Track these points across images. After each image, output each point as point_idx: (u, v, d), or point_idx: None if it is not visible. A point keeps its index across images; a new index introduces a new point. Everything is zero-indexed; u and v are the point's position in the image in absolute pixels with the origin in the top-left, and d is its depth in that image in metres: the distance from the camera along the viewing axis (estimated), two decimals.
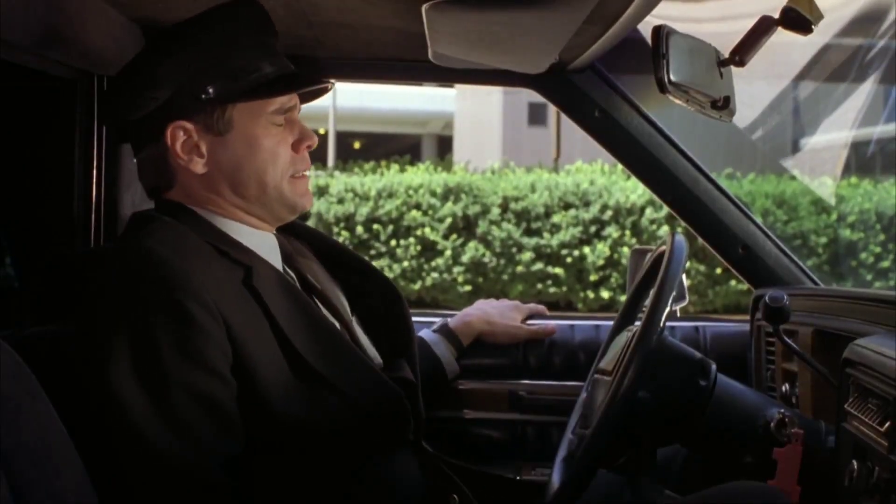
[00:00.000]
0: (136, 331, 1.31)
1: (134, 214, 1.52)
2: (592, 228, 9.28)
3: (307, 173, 1.55)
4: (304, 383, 1.39)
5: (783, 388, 1.92)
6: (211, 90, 1.44)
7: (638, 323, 1.62)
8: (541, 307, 2.19)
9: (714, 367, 1.55)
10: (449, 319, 2.05)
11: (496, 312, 2.09)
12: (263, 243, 1.52)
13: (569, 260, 9.22)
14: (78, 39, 1.74)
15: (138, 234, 1.43)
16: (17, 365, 1.24)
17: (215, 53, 1.45)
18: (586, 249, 9.22)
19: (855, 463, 1.26)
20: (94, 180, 1.99)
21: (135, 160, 1.54)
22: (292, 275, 1.56)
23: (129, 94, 1.47)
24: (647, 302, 1.54)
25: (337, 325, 1.53)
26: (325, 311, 1.54)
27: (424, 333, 1.98)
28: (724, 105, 1.62)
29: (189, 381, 1.31)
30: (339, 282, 1.67)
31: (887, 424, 1.19)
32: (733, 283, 8.97)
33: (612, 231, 9.21)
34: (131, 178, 2.04)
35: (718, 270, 8.99)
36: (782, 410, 1.51)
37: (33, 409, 1.23)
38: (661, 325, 1.47)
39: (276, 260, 1.53)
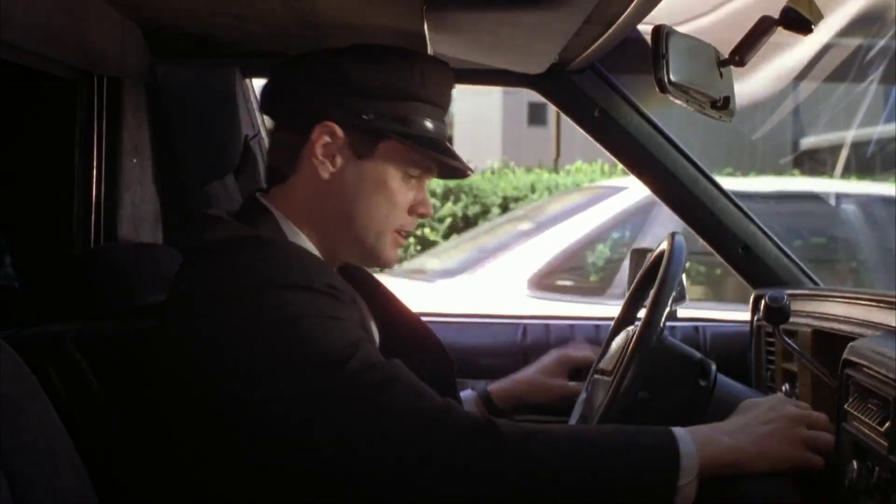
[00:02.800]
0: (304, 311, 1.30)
1: (204, 214, 1.48)
2: None
3: (405, 240, 1.53)
4: None
5: (783, 388, 1.92)
6: (373, 115, 1.45)
7: (638, 323, 1.62)
8: (588, 355, 1.86)
9: (714, 367, 1.56)
10: (490, 383, 1.87)
11: (538, 369, 1.88)
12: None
13: None
14: (78, 39, 1.74)
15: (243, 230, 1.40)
16: (17, 365, 1.24)
17: (401, 87, 1.46)
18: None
19: (855, 463, 1.26)
20: (94, 180, 1.99)
21: (273, 135, 1.54)
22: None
23: (304, 79, 1.48)
24: (647, 302, 1.54)
25: None
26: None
27: (463, 394, 1.81)
28: (723, 105, 1.62)
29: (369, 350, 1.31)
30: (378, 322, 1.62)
31: (887, 424, 1.19)
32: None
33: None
34: (131, 178, 2.04)
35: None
36: None
37: (33, 409, 1.23)
38: (661, 325, 1.47)
39: None
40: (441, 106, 1.51)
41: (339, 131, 1.45)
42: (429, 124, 1.48)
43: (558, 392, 1.83)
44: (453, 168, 1.52)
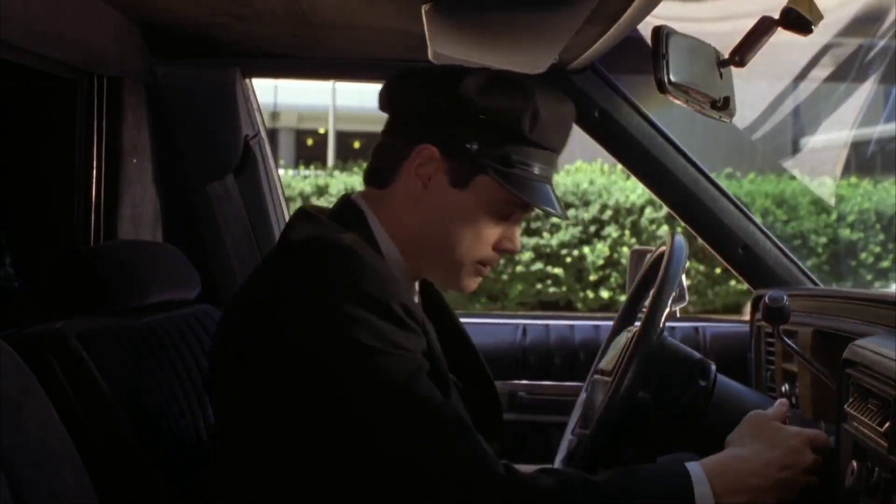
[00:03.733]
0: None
1: (301, 210, 1.46)
2: (592, 228, 9.27)
3: (488, 270, 1.52)
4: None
5: (783, 388, 1.92)
6: (476, 147, 1.42)
7: (638, 323, 1.62)
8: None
9: (714, 367, 1.55)
10: None
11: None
12: (407, 285, 1.49)
13: (568, 260, 9.21)
14: (78, 39, 1.74)
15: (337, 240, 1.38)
16: (17, 365, 1.25)
17: (509, 126, 1.43)
18: (586, 249, 9.22)
19: (855, 463, 1.26)
20: (94, 180, 1.99)
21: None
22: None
23: (418, 95, 1.46)
24: (647, 302, 1.54)
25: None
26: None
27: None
28: (723, 105, 1.62)
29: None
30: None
31: (887, 424, 1.19)
32: (733, 283, 8.97)
33: (611, 231, 9.20)
34: (131, 178, 2.04)
35: (718, 270, 8.99)
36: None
37: (33, 409, 1.23)
38: (661, 325, 1.47)
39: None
40: (549, 149, 1.48)
41: (437, 155, 1.43)
42: (535, 168, 1.45)
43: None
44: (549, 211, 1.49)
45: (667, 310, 1.48)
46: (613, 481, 1.32)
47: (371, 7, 1.74)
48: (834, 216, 9.28)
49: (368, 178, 1.52)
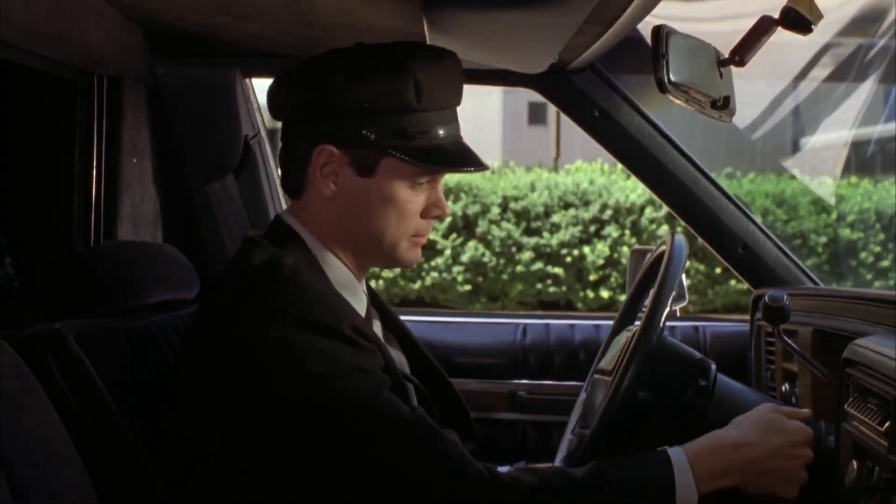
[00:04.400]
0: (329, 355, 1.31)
1: (248, 238, 1.48)
2: (592, 228, 9.27)
3: (424, 238, 1.51)
4: None
5: (783, 388, 1.92)
6: (372, 133, 1.42)
7: (638, 323, 1.62)
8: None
9: (714, 367, 1.55)
10: None
11: None
12: (354, 293, 1.49)
13: (568, 259, 9.21)
14: (78, 39, 1.74)
15: (279, 266, 1.39)
16: (17, 365, 1.25)
17: (395, 103, 1.42)
18: (586, 249, 9.22)
19: (855, 463, 1.26)
20: (94, 180, 1.99)
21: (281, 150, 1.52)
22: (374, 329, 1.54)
23: (300, 97, 1.46)
24: (647, 302, 1.54)
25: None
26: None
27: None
28: (723, 105, 1.62)
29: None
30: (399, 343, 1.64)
31: (887, 424, 1.19)
32: (733, 282, 8.97)
33: (611, 230, 9.20)
34: (131, 178, 2.04)
35: (718, 270, 8.99)
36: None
37: (33, 409, 1.23)
38: (661, 325, 1.47)
39: (360, 310, 1.50)
40: (446, 107, 1.47)
41: (336, 151, 1.42)
42: (437, 131, 1.44)
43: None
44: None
45: (667, 309, 1.48)
46: (594, 475, 1.33)
47: (371, 7, 1.74)
48: (834, 216, 9.28)
49: (285, 190, 1.52)
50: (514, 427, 2.17)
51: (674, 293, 1.50)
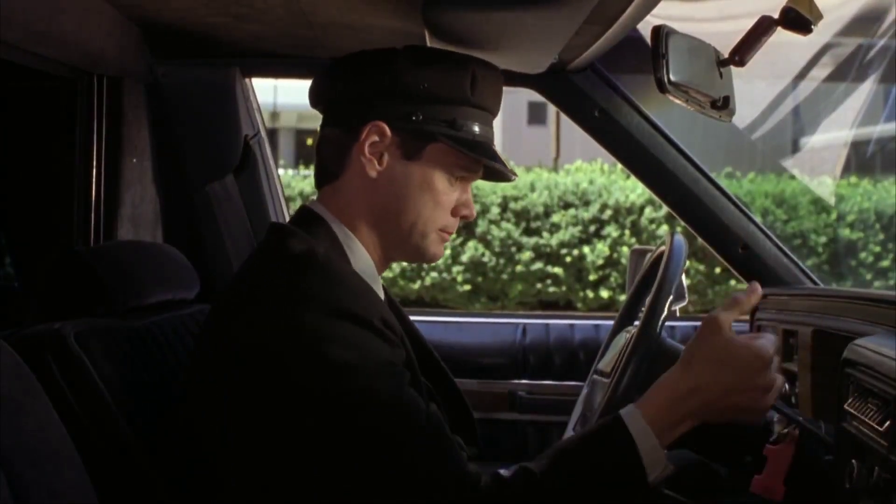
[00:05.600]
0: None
1: (276, 225, 1.50)
2: (592, 228, 9.27)
3: (449, 237, 1.54)
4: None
5: (783, 388, 1.92)
6: (422, 117, 1.45)
7: (637, 323, 1.62)
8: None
9: None
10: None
11: None
12: (376, 285, 1.50)
13: (568, 259, 9.21)
14: (78, 39, 1.74)
15: (312, 254, 1.40)
16: (17, 365, 1.25)
17: (452, 91, 1.47)
18: (586, 249, 9.21)
19: (855, 463, 1.26)
20: (94, 180, 1.99)
21: (320, 134, 1.53)
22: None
23: (356, 78, 1.48)
24: (647, 302, 1.54)
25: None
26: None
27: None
28: (723, 105, 1.62)
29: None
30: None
31: (887, 424, 1.19)
32: (733, 282, 8.97)
33: (611, 230, 9.20)
34: (131, 178, 2.04)
35: (718, 270, 8.99)
36: (783, 411, 1.51)
37: (33, 409, 1.23)
38: (660, 325, 1.47)
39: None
40: (490, 111, 1.52)
41: (388, 131, 1.45)
42: (476, 128, 1.49)
43: None
44: (497, 171, 1.53)
45: (666, 310, 1.48)
46: (556, 469, 1.32)
47: (371, 7, 1.74)
48: (834, 216, 9.28)
49: (319, 178, 1.53)
50: (514, 427, 2.17)
51: (673, 293, 1.50)
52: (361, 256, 1.49)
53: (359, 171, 1.47)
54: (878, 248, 9.16)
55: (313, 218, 1.48)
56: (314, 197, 1.54)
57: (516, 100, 16.85)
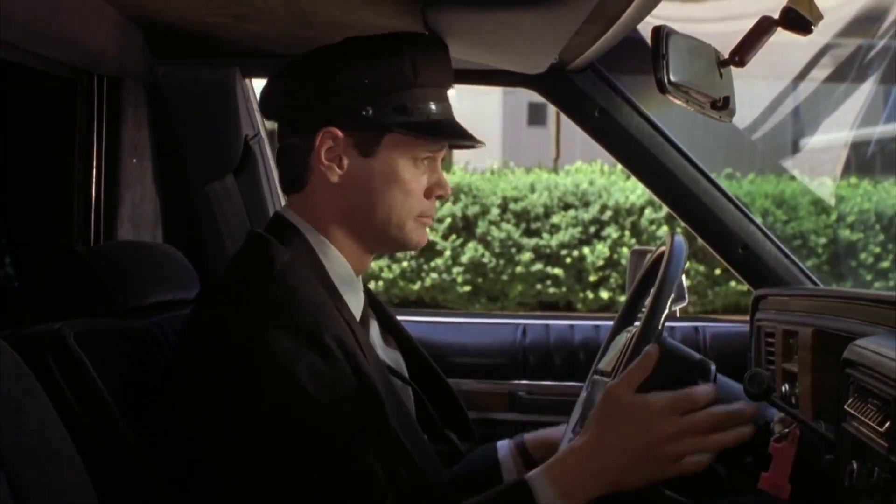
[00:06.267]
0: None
1: (253, 234, 1.50)
2: (592, 229, 9.28)
3: (430, 220, 1.53)
4: (384, 449, 1.35)
5: (783, 389, 1.92)
6: (372, 111, 1.44)
7: (637, 323, 1.62)
8: None
9: (714, 367, 1.55)
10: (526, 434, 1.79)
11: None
12: (352, 288, 1.50)
13: (568, 260, 9.21)
14: (78, 39, 1.74)
15: (270, 266, 1.40)
16: (17, 365, 1.25)
17: (394, 79, 1.45)
18: (586, 250, 9.22)
19: (855, 463, 1.26)
20: (94, 180, 1.99)
21: (278, 147, 1.53)
22: (370, 331, 1.55)
23: (298, 86, 1.48)
24: (647, 302, 1.54)
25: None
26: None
27: (499, 444, 1.77)
28: (723, 105, 1.62)
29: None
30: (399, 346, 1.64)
31: (887, 424, 1.19)
32: (733, 283, 8.97)
33: (611, 231, 9.21)
34: (131, 178, 2.04)
35: (718, 271, 8.99)
36: (782, 415, 1.51)
37: (33, 409, 1.23)
38: (661, 326, 1.47)
39: (357, 308, 1.50)
40: (440, 86, 1.50)
41: (339, 134, 1.45)
42: (432, 106, 1.47)
43: None
44: (462, 145, 1.51)
45: (666, 310, 1.48)
46: None
47: (371, 7, 1.74)
48: (834, 216, 9.28)
49: (286, 188, 1.53)
50: (513, 427, 2.17)
51: (673, 294, 1.50)
52: (337, 261, 1.48)
53: (321, 178, 1.46)
54: (878, 249, 9.16)
55: (286, 226, 1.48)
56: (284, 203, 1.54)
57: (516, 100, 16.85)
